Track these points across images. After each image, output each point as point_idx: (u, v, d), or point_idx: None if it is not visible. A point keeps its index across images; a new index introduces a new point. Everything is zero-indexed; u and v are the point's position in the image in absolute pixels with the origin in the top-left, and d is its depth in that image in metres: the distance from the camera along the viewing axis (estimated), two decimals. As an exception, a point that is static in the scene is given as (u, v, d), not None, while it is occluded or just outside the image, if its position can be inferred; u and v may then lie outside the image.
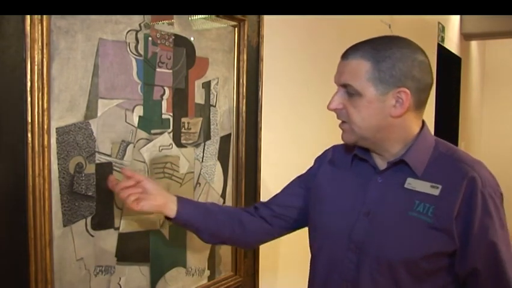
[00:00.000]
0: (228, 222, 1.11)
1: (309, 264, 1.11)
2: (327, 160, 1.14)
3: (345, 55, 0.95)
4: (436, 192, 0.91)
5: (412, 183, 0.94)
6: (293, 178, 1.20)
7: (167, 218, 1.05)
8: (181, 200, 1.06)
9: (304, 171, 1.19)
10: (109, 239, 1.08)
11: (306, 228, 1.14)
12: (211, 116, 1.34)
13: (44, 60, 0.90)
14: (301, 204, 1.14)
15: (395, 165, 0.97)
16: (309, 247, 1.12)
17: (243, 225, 1.12)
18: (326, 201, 1.06)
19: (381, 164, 1.00)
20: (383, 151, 0.98)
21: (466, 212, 0.89)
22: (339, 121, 1.00)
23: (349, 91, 0.94)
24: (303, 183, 1.16)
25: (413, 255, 0.91)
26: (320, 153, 1.19)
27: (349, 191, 1.03)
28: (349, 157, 1.06)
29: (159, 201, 1.01)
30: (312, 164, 1.19)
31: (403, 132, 0.96)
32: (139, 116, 1.12)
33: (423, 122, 1.00)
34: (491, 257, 0.90)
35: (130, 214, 1.12)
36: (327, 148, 1.18)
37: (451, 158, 0.96)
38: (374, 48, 0.92)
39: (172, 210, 1.03)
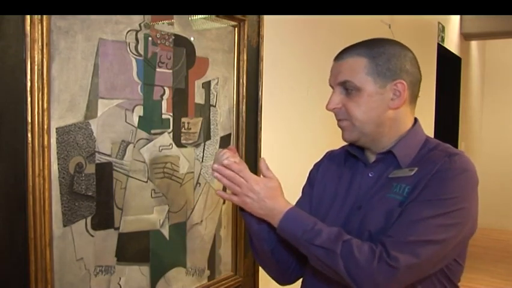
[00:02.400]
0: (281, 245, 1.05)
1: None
2: (323, 164, 1.15)
3: (339, 57, 0.99)
4: (411, 173, 0.94)
5: (395, 172, 0.97)
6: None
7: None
8: None
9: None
10: (109, 239, 1.08)
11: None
12: (211, 116, 1.34)
13: (44, 60, 0.90)
14: None
15: (384, 158, 1.00)
16: None
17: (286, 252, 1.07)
18: (324, 201, 1.08)
19: (372, 159, 1.03)
20: (378, 148, 1.00)
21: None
22: (337, 121, 1.01)
23: (348, 87, 0.96)
24: (308, 188, 1.15)
25: (387, 231, 0.90)
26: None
27: (343, 189, 1.05)
28: (342, 157, 1.09)
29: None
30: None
31: (398, 126, 0.99)
32: (139, 116, 1.12)
33: (416, 119, 1.03)
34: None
35: (130, 214, 1.12)
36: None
37: (435, 150, 0.98)
38: (367, 46, 0.97)
39: None
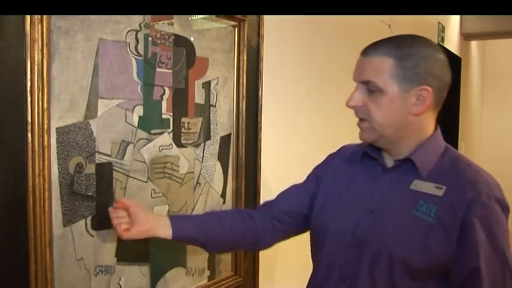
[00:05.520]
0: (235, 228, 1.09)
1: (308, 264, 1.12)
2: (338, 158, 1.14)
3: (366, 52, 0.95)
4: (440, 193, 0.92)
5: (418, 185, 0.95)
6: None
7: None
8: (175, 219, 1.04)
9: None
10: (109, 239, 1.08)
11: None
12: (211, 116, 1.34)
13: (44, 60, 0.90)
14: (309, 203, 1.12)
15: (402, 164, 0.97)
16: (310, 245, 1.12)
17: (254, 227, 1.11)
18: (332, 199, 1.06)
19: (390, 163, 1.00)
20: (396, 151, 0.98)
21: (468, 220, 0.88)
22: (356, 119, 0.99)
23: (370, 88, 0.93)
24: (312, 181, 1.15)
25: (412, 253, 0.91)
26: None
27: (356, 189, 1.03)
28: (359, 155, 1.06)
29: (146, 226, 0.99)
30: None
31: (420, 131, 0.96)
32: (139, 116, 1.12)
33: (436, 126, 1.00)
34: (474, 271, 0.88)
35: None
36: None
37: (458, 163, 0.96)
38: (397, 45, 0.92)
39: (166, 233, 1.01)
